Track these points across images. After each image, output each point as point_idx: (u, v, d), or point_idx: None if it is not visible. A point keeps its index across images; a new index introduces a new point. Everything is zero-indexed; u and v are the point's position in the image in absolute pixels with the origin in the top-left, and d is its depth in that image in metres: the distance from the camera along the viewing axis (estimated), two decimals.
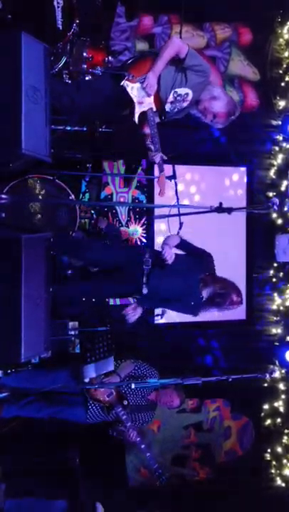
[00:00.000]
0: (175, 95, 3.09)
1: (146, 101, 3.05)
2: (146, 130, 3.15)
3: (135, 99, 3.02)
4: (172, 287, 3.22)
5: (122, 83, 2.97)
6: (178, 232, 3.40)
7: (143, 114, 3.07)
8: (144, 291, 3.21)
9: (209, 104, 3.10)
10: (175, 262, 3.19)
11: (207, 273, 3.23)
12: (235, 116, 3.19)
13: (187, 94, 3.10)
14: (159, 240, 4.84)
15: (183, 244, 3.32)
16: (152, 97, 3.05)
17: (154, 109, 3.09)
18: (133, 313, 3.28)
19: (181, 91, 3.08)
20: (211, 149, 5.03)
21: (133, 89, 3.01)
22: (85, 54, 3.66)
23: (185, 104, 3.16)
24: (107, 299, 4.30)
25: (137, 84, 3.00)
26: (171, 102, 3.13)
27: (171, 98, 3.10)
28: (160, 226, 4.82)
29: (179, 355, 4.98)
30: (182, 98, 3.11)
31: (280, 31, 5.26)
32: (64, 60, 3.52)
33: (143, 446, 3.50)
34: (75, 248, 3.59)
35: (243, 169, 5.27)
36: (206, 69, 3.08)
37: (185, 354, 5.01)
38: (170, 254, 3.17)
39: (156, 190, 3.37)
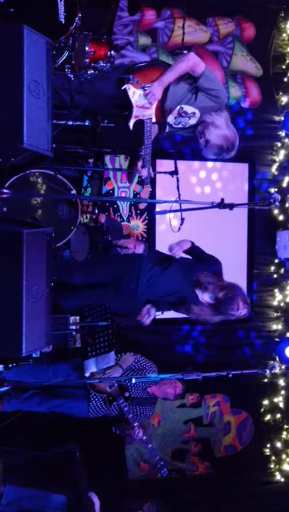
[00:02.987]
0: (180, 111, 2.98)
1: (146, 110, 2.92)
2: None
3: (134, 105, 2.89)
4: (171, 284, 3.19)
5: (124, 86, 2.86)
6: (179, 229, 3.40)
7: (141, 122, 2.95)
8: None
9: (206, 128, 2.94)
10: (178, 262, 3.17)
11: (210, 274, 3.14)
12: (229, 154, 3.01)
13: (194, 113, 2.98)
14: (161, 230, 4.85)
15: (193, 250, 3.27)
16: (154, 107, 2.93)
17: (154, 120, 2.97)
18: (147, 316, 3.23)
19: (188, 109, 2.97)
20: None
21: (135, 94, 2.88)
22: (87, 48, 3.64)
23: (192, 122, 3.03)
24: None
25: (140, 91, 2.88)
26: (175, 116, 3.02)
27: (175, 112, 3.00)
28: (161, 222, 4.82)
29: (179, 351, 5.00)
30: (188, 115, 2.99)
31: (283, 26, 5.24)
32: (66, 54, 3.50)
33: (148, 443, 3.54)
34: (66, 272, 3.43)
35: (245, 165, 5.26)
36: (221, 95, 2.92)
37: (185, 349, 5.03)
38: (178, 250, 3.11)
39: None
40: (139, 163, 3.11)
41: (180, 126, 3.07)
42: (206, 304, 3.13)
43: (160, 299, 3.26)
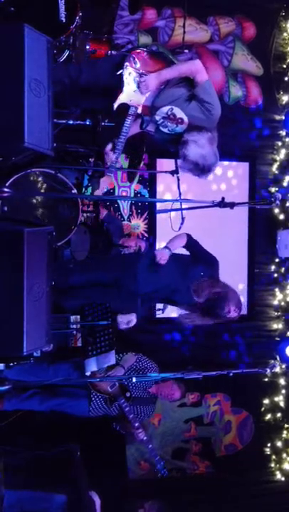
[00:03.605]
0: (170, 112, 2.91)
1: (136, 97, 2.85)
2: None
3: (125, 87, 2.82)
4: (167, 278, 3.24)
5: (125, 62, 2.79)
6: (180, 228, 3.40)
7: (126, 108, 2.88)
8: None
9: (187, 143, 2.85)
10: (175, 259, 3.20)
11: (206, 278, 3.19)
12: (203, 175, 2.92)
13: (182, 119, 2.91)
14: (162, 233, 4.85)
15: (189, 246, 3.29)
16: (143, 98, 2.88)
17: (139, 111, 2.92)
18: (126, 324, 3.30)
19: (177, 112, 2.89)
20: None
21: (130, 75, 2.82)
22: (87, 47, 3.65)
23: (178, 130, 2.95)
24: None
25: (136, 75, 2.82)
26: (164, 116, 2.95)
27: (164, 110, 2.92)
28: (162, 221, 4.81)
29: (179, 350, 5.00)
30: (176, 120, 2.91)
31: (284, 25, 5.23)
32: (67, 53, 3.50)
33: (148, 444, 3.54)
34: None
35: (246, 164, 5.26)
36: (214, 111, 2.85)
37: (185, 349, 5.02)
38: (163, 257, 3.16)
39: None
40: (108, 146, 3.04)
41: (166, 130, 3.01)
42: (198, 306, 3.16)
43: (155, 293, 3.30)
